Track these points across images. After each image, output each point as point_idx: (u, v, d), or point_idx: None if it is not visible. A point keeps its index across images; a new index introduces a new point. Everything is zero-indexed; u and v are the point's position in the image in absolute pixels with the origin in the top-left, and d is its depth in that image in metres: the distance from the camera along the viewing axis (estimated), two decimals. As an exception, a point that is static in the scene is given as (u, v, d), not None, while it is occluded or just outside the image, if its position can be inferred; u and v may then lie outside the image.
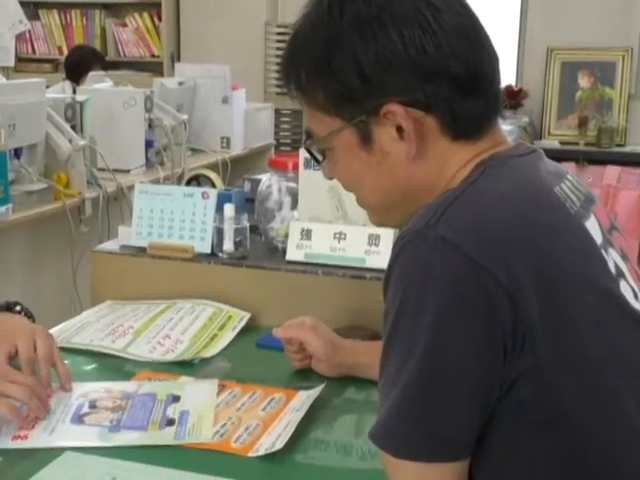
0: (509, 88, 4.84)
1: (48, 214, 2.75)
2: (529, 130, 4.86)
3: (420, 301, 0.79)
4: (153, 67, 5.52)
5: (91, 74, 4.35)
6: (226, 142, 3.95)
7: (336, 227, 1.62)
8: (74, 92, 4.10)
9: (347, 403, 1.32)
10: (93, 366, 1.43)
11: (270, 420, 1.20)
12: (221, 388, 1.31)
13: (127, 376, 1.37)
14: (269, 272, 1.62)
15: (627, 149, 4.85)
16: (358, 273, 1.56)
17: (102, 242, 2.32)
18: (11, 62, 5.53)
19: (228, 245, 1.65)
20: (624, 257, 0.94)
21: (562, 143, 4.89)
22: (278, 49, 5.16)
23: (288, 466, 1.10)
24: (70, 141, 2.86)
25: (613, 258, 0.90)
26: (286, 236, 1.66)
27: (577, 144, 4.85)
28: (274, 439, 1.13)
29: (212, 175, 2.02)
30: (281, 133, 5.05)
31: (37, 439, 1.15)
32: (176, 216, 1.70)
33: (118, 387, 1.31)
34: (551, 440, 0.81)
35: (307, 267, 1.60)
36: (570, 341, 0.81)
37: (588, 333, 0.82)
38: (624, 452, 0.83)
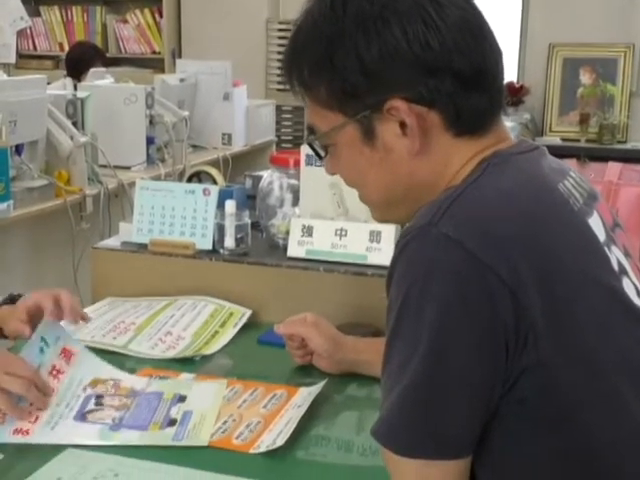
0: (510, 85, 4.83)
1: (49, 211, 2.75)
2: (530, 127, 4.85)
3: (423, 299, 0.79)
4: (154, 63, 5.51)
5: (92, 70, 4.34)
6: (227, 139, 3.94)
7: (337, 224, 1.61)
8: (75, 89, 4.10)
9: (349, 400, 1.32)
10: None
11: (271, 417, 1.20)
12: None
13: (129, 373, 1.36)
14: (270, 269, 1.62)
15: (628, 146, 4.85)
16: (359, 270, 1.56)
17: (103, 239, 2.32)
18: (12, 59, 5.53)
19: (229, 242, 1.65)
20: (627, 254, 0.93)
21: (563, 140, 4.89)
22: (279, 45, 5.15)
23: (289, 463, 1.11)
24: (71, 138, 2.86)
25: (616, 255, 0.89)
26: (287, 233, 1.66)
27: (578, 141, 4.85)
28: (275, 436, 1.13)
29: (213, 172, 2.02)
30: (282, 130, 5.04)
31: (39, 434, 1.15)
32: (177, 213, 1.69)
33: (128, 382, 1.30)
34: (553, 438, 0.81)
35: (308, 264, 1.60)
36: (572, 338, 0.80)
37: (590, 330, 0.81)
38: (626, 450, 0.83)
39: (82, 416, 1.21)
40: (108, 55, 5.60)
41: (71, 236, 2.81)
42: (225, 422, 1.19)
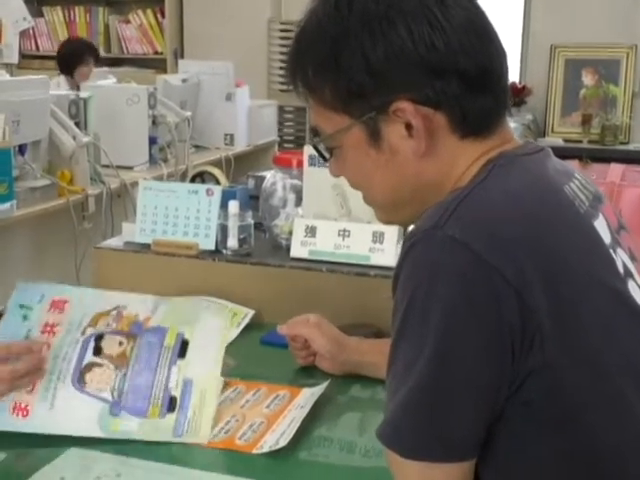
0: (513, 85, 4.83)
1: (52, 210, 2.75)
2: (533, 128, 4.85)
3: (429, 301, 0.79)
4: (156, 64, 5.52)
5: (95, 70, 4.36)
6: (229, 139, 3.95)
7: (340, 224, 1.61)
8: (70, 86, 4.10)
9: (352, 401, 1.32)
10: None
11: (274, 417, 1.20)
12: (225, 385, 1.30)
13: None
14: (273, 269, 1.62)
15: (631, 147, 4.85)
16: (362, 270, 1.56)
17: (105, 238, 2.32)
18: (15, 59, 5.55)
19: (232, 242, 1.65)
20: (632, 257, 0.93)
21: (566, 141, 4.88)
22: (282, 46, 5.15)
23: (292, 463, 1.11)
24: (74, 138, 2.87)
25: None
26: (290, 233, 1.66)
27: (581, 142, 4.85)
28: (278, 436, 1.13)
29: (216, 172, 2.02)
30: (284, 130, 5.05)
31: (38, 416, 1.13)
32: (180, 213, 1.69)
33: (133, 308, 1.27)
34: (558, 439, 0.81)
35: (311, 264, 1.60)
36: (577, 340, 0.80)
37: (595, 332, 0.81)
38: (631, 453, 0.82)
39: (79, 381, 1.18)
40: (110, 55, 5.62)
41: (73, 236, 2.81)
42: (228, 422, 1.19)
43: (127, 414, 1.16)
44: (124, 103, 3.33)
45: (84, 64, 4.52)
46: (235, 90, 3.94)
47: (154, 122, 3.41)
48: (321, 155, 0.97)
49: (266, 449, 1.11)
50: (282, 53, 5.15)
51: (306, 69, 0.91)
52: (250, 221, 1.68)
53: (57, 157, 2.85)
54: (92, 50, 4.70)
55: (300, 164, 1.71)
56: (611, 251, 0.88)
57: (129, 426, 1.15)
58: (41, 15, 5.82)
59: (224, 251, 1.66)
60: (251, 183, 2.21)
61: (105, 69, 4.63)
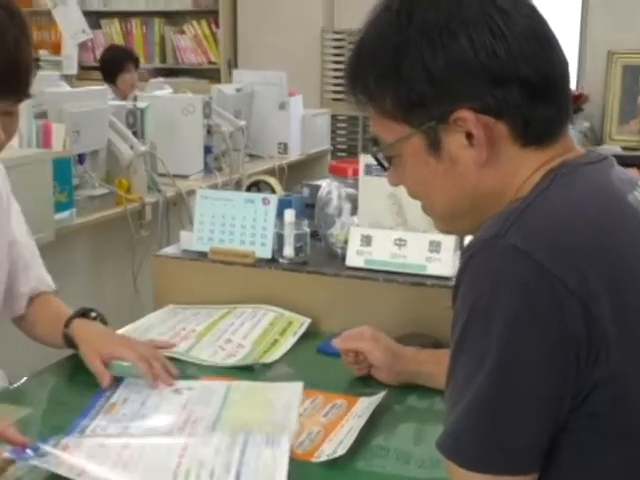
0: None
1: (110, 218, 2.80)
2: (589, 135, 4.77)
3: (490, 311, 0.78)
4: (211, 74, 5.59)
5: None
6: (283, 148, 3.97)
7: (396, 233, 1.61)
8: (116, 95, 4.15)
9: (409, 410, 1.31)
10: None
11: (332, 426, 1.20)
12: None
13: (189, 379, 1.38)
14: (329, 278, 1.62)
15: (691, 154, 4.73)
16: (419, 280, 1.56)
17: (161, 246, 2.36)
18: (74, 70, 5.68)
19: (288, 251, 1.66)
20: None
21: (624, 148, 4.79)
22: (334, 55, 5.17)
23: (350, 473, 1.10)
24: (131, 147, 2.92)
25: None
26: (346, 242, 1.66)
27: (639, 150, 4.75)
28: (336, 445, 1.13)
29: (272, 181, 2.04)
30: (337, 139, 5.06)
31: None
32: (237, 221, 1.71)
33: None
34: (624, 449, 0.80)
35: (367, 273, 1.60)
36: None
37: None
38: None
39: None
40: (166, 66, 5.71)
41: (131, 244, 2.86)
42: (287, 430, 1.19)
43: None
44: (180, 113, 3.38)
45: (125, 71, 4.56)
46: (288, 99, 3.97)
47: (209, 131, 3.45)
48: (380, 164, 0.97)
49: (324, 458, 1.11)
50: (335, 62, 5.17)
51: (367, 78, 0.91)
52: (306, 230, 1.69)
53: (115, 166, 2.91)
54: (132, 57, 4.72)
55: (356, 173, 1.71)
56: None
57: None
58: (99, 27, 5.94)
59: (280, 260, 1.67)
60: (305, 192, 2.22)
61: (161, 79, 4.70)
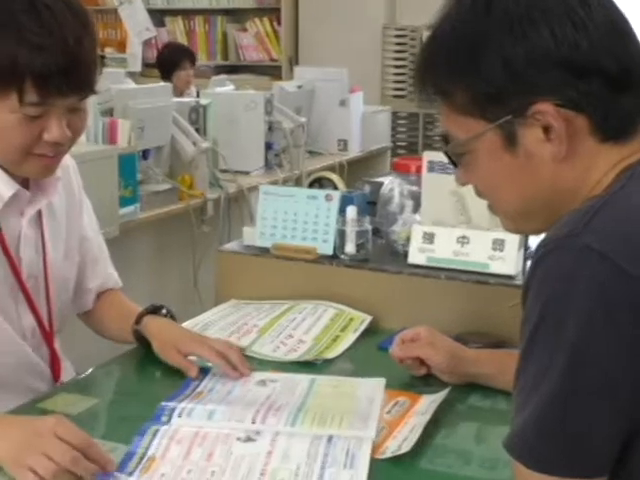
0: None
1: (172, 214, 2.85)
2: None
3: (564, 312, 0.77)
4: (272, 71, 5.62)
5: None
6: (343, 145, 3.97)
7: (459, 231, 1.60)
8: (173, 91, 4.18)
9: (471, 409, 1.30)
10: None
11: (395, 423, 1.19)
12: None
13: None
14: (391, 275, 1.62)
15: None
16: (482, 278, 1.54)
17: (223, 242, 2.38)
18: (138, 67, 5.78)
19: (350, 247, 1.66)
20: None
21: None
22: (396, 52, 5.15)
23: (411, 470, 1.10)
24: (194, 143, 2.95)
25: None
26: (408, 239, 1.66)
27: None
28: (400, 442, 1.13)
29: (334, 178, 2.04)
30: (397, 136, 5.03)
31: None
32: (299, 217, 1.72)
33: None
34: None
35: (429, 271, 1.59)
36: None
37: None
38: None
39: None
40: (228, 63, 5.77)
41: (192, 239, 2.90)
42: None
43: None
44: (242, 109, 3.40)
45: (181, 68, 4.61)
46: (349, 96, 3.96)
47: (270, 128, 3.47)
48: (452, 162, 0.95)
49: (389, 454, 1.11)
50: (396, 59, 5.14)
51: (439, 73, 0.90)
52: (368, 226, 1.68)
53: (178, 162, 2.95)
54: (188, 54, 4.76)
55: (419, 170, 1.70)
56: None
57: None
58: (163, 25, 6.03)
59: (342, 256, 1.67)
60: (366, 189, 2.21)
61: (223, 76, 4.73)
